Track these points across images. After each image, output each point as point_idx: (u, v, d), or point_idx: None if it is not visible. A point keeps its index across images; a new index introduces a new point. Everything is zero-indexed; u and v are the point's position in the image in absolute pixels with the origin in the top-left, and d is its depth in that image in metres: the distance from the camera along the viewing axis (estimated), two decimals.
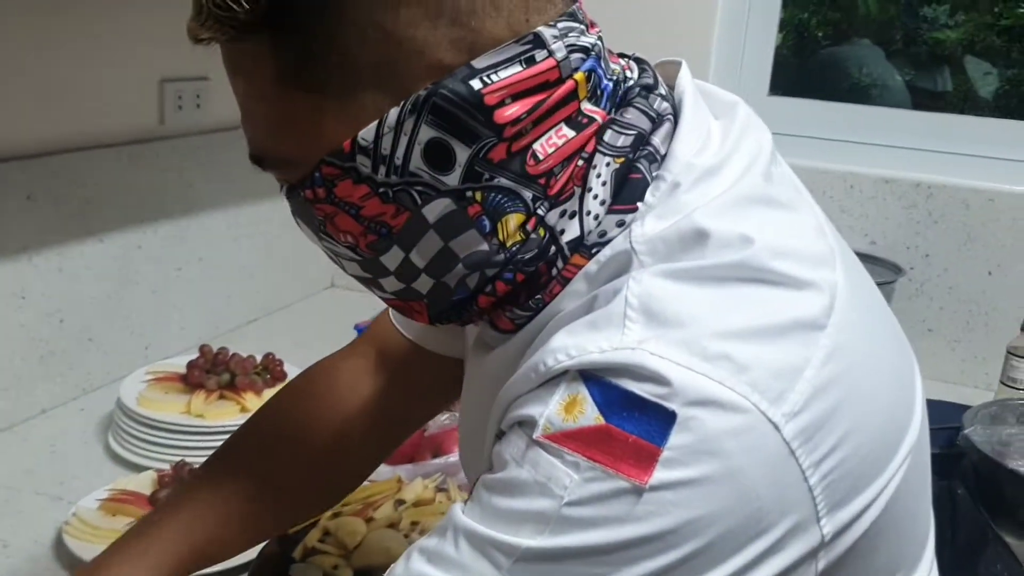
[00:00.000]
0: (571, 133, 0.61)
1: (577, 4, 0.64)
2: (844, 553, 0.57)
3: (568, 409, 0.54)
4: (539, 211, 0.62)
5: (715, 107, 0.68)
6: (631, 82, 0.66)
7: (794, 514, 0.54)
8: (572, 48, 0.61)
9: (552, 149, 0.61)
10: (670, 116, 0.65)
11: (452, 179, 0.60)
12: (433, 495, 1.18)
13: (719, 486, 0.52)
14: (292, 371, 1.43)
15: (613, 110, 0.64)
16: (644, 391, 0.52)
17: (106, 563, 0.82)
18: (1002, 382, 1.56)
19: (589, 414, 0.53)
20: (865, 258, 1.65)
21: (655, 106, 0.65)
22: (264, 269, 1.83)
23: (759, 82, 1.93)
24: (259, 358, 1.45)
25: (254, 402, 1.35)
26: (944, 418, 1.32)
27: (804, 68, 2.31)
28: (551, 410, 0.54)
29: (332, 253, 0.68)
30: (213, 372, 1.40)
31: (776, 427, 0.53)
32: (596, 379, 0.54)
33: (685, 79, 0.68)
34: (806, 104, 1.94)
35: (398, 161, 0.60)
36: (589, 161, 0.62)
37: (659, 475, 0.51)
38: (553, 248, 0.63)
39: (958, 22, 2.25)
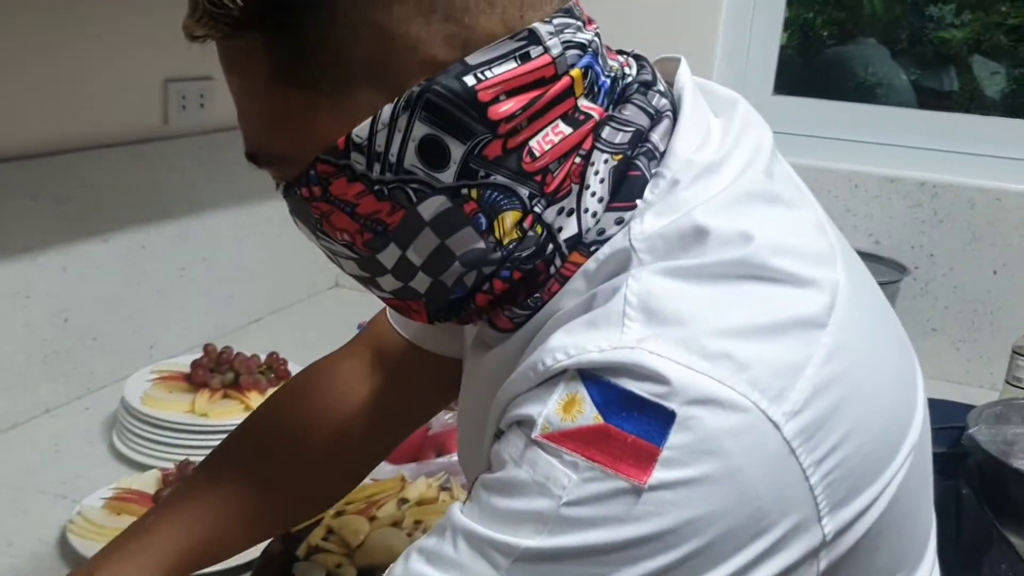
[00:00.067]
0: (568, 130, 0.61)
1: (574, 0, 0.63)
2: (846, 553, 0.56)
3: (567, 408, 0.53)
4: (536, 208, 0.61)
5: (715, 104, 0.68)
6: (629, 79, 0.66)
7: (795, 513, 0.53)
8: (568, 44, 0.60)
9: (548, 146, 0.60)
10: (669, 113, 0.65)
11: (447, 176, 0.60)
12: (436, 494, 1.18)
13: (719, 486, 0.51)
14: (296, 370, 1.42)
15: (611, 107, 0.64)
16: (643, 390, 0.52)
17: (104, 562, 0.82)
18: (1007, 382, 1.55)
19: (588, 414, 0.53)
20: (870, 257, 1.67)
21: (654, 102, 0.65)
22: (268, 269, 1.83)
23: (764, 81, 1.92)
24: (263, 357, 1.45)
25: (258, 401, 1.34)
26: (949, 418, 1.32)
27: (809, 67, 2.30)
28: (550, 409, 0.54)
29: (330, 251, 0.68)
30: (217, 371, 1.40)
31: (776, 426, 0.52)
32: (595, 378, 0.53)
33: (684, 76, 0.68)
34: (810, 103, 1.93)
35: (392, 158, 0.60)
36: (587, 158, 0.62)
37: (658, 475, 0.51)
38: (551, 246, 0.62)
39: (964, 21, 2.24)
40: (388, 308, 0.92)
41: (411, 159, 0.59)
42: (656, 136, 0.63)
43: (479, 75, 0.58)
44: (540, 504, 0.53)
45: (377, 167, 0.60)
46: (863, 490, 0.56)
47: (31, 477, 1.23)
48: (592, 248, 0.62)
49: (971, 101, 2.22)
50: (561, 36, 0.60)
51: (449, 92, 0.58)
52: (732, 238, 0.57)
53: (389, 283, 0.67)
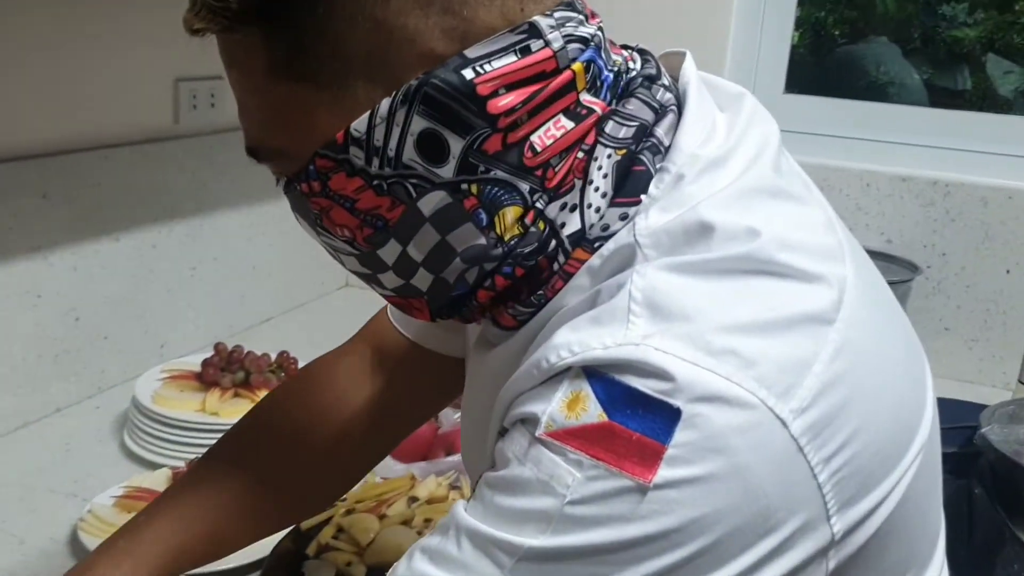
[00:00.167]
0: (570, 124, 0.60)
1: None
2: (855, 552, 0.56)
3: (571, 406, 0.53)
4: (537, 204, 0.61)
5: (720, 99, 0.67)
6: (633, 73, 0.65)
7: (803, 512, 0.53)
8: (570, 38, 0.60)
9: (550, 141, 0.60)
10: (674, 107, 0.64)
11: (446, 171, 0.59)
12: (446, 492, 1.19)
13: (725, 484, 0.51)
14: None
15: (614, 101, 0.63)
16: (648, 387, 0.51)
17: (94, 563, 0.81)
18: (1020, 381, 1.54)
19: (592, 411, 0.52)
20: (882, 256, 1.66)
21: (658, 97, 0.64)
22: (278, 268, 1.83)
23: (775, 80, 1.92)
24: (273, 356, 1.46)
25: None
26: (961, 417, 1.31)
27: (821, 66, 2.30)
28: (554, 407, 0.54)
29: (331, 248, 0.68)
30: (228, 370, 1.41)
31: (784, 423, 0.52)
32: (599, 376, 0.53)
33: (689, 70, 0.67)
34: (822, 102, 1.92)
35: (391, 153, 0.59)
36: (590, 153, 0.61)
37: (663, 473, 0.50)
38: (553, 242, 0.62)
39: (977, 20, 2.23)
40: (390, 307, 0.91)
41: (410, 153, 0.59)
42: (660, 131, 0.63)
43: (478, 68, 0.58)
44: (544, 503, 0.52)
45: (376, 162, 0.60)
46: (872, 489, 0.56)
47: (42, 476, 1.24)
48: (596, 244, 0.61)
49: (984, 100, 2.21)
50: (562, 30, 0.60)
51: (447, 85, 0.57)
52: (738, 233, 0.56)
53: (391, 280, 0.66)
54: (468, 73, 0.57)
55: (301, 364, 1.45)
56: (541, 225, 0.62)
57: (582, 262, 0.62)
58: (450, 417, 1.33)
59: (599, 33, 0.63)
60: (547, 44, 0.59)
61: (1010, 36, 2.18)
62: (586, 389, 0.53)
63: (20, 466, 1.25)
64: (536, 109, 0.59)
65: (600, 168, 0.61)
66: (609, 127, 0.62)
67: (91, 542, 1.05)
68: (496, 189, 0.60)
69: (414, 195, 0.61)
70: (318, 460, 0.90)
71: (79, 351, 1.42)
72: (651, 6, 1.82)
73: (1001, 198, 1.71)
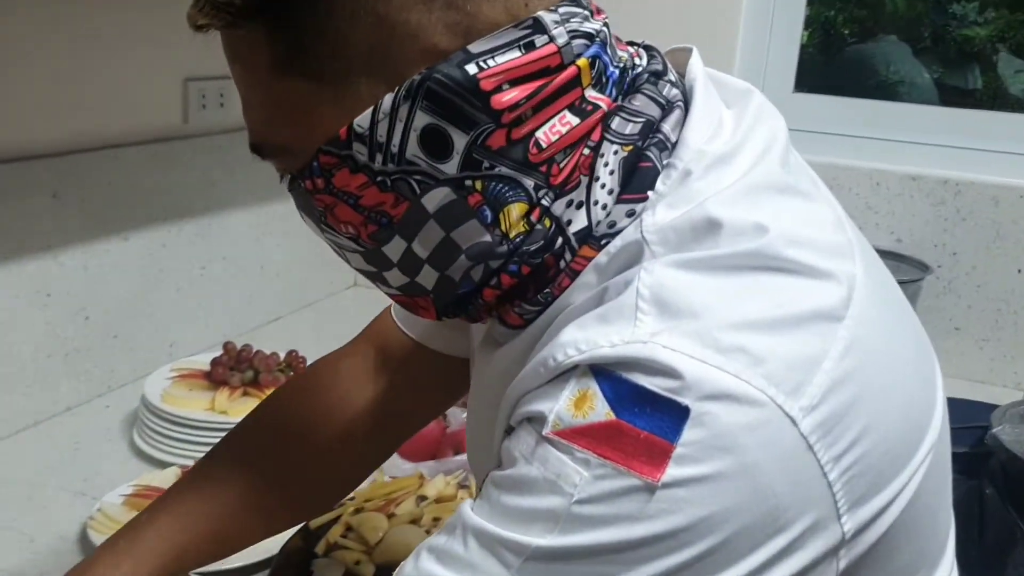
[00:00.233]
0: (575, 120, 0.60)
1: None
2: (865, 552, 0.55)
3: (578, 405, 0.53)
4: (543, 201, 0.61)
5: (727, 95, 0.67)
6: (639, 69, 0.65)
7: (813, 511, 0.52)
8: (575, 34, 0.59)
9: (555, 136, 0.59)
10: (680, 103, 0.64)
11: (450, 167, 0.59)
12: (455, 491, 1.18)
13: (734, 482, 0.50)
14: None
15: (620, 97, 0.63)
16: (656, 385, 0.51)
17: (94, 563, 0.81)
18: None
19: (599, 410, 0.52)
20: (892, 256, 1.65)
21: (664, 93, 0.64)
22: (287, 267, 1.84)
23: (784, 79, 1.91)
24: (282, 355, 1.46)
25: None
26: (972, 417, 1.30)
27: (830, 65, 2.29)
28: (561, 406, 0.53)
29: (335, 245, 0.67)
30: (237, 369, 1.41)
31: (793, 421, 0.51)
32: (607, 374, 0.53)
33: (696, 66, 0.67)
34: (832, 101, 1.92)
35: (394, 148, 0.59)
36: (596, 150, 0.61)
37: (672, 472, 0.50)
38: (560, 239, 0.61)
39: (988, 19, 2.22)
40: (394, 307, 0.91)
41: (413, 149, 0.59)
42: (667, 126, 0.62)
43: (481, 64, 0.57)
44: (551, 502, 0.52)
45: (379, 158, 0.60)
46: (882, 488, 0.55)
47: (52, 474, 1.24)
48: (603, 241, 0.61)
49: (994, 99, 2.20)
50: (567, 25, 0.59)
51: (450, 81, 0.57)
52: (746, 229, 0.56)
53: (396, 278, 0.66)
54: (471, 68, 0.57)
55: (310, 362, 1.45)
56: (547, 222, 0.61)
57: (589, 259, 0.61)
58: (458, 416, 1.33)
59: (604, 29, 0.62)
60: (552, 39, 0.59)
61: (1021, 35, 2.17)
62: (593, 387, 0.53)
63: (30, 464, 1.26)
64: (541, 105, 0.59)
65: (607, 164, 0.61)
66: (615, 123, 0.61)
67: (100, 540, 1.04)
68: (500, 185, 0.60)
69: (418, 191, 0.60)
70: (321, 460, 0.90)
71: (89, 350, 1.43)
72: (660, 5, 1.81)
73: (1012, 197, 1.70)
